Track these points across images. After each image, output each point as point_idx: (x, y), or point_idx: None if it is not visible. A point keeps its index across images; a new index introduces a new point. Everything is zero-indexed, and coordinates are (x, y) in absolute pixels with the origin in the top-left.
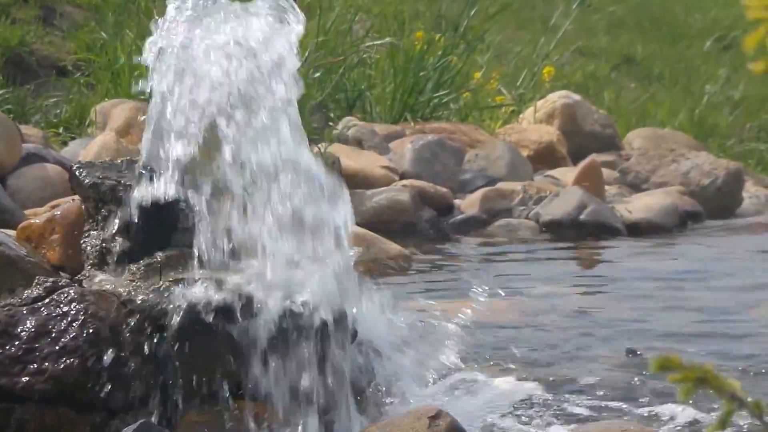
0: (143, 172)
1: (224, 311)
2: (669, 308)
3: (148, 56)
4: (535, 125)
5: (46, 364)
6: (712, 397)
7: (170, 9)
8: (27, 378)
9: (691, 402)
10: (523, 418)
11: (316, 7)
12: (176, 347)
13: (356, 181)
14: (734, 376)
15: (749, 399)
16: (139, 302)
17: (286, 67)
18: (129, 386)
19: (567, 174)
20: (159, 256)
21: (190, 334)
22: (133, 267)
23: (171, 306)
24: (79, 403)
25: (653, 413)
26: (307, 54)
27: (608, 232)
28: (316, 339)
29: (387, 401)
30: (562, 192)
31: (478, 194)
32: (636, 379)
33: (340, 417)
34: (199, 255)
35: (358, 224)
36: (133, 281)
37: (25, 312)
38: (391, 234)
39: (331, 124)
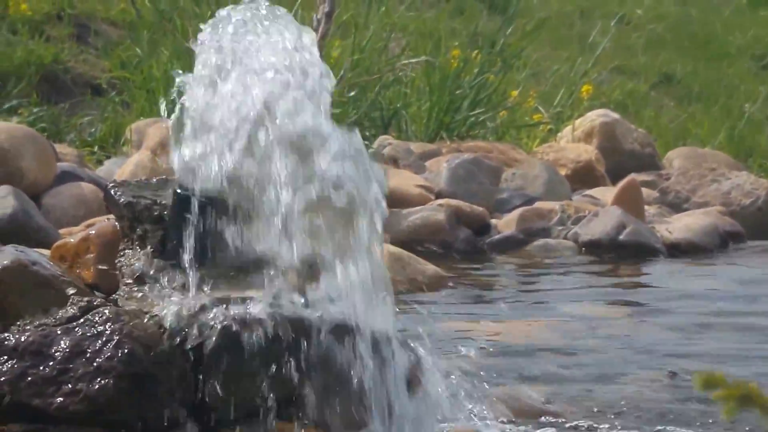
0: (179, 191)
1: (262, 330)
2: (710, 330)
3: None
4: (573, 144)
5: (81, 384)
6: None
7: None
8: (61, 398)
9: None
10: None
11: (352, 25)
12: (212, 367)
13: (391, 200)
14: None
15: None
16: (174, 322)
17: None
18: (164, 407)
19: (606, 193)
20: (195, 275)
21: (226, 353)
22: (170, 286)
23: (207, 325)
24: (113, 423)
25: None
26: (342, 72)
27: (648, 253)
28: (356, 359)
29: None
30: (601, 212)
31: (516, 214)
32: (678, 401)
33: None
34: (236, 274)
35: (393, 243)
36: (169, 301)
37: (59, 332)
38: (426, 254)
39: (366, 142)
